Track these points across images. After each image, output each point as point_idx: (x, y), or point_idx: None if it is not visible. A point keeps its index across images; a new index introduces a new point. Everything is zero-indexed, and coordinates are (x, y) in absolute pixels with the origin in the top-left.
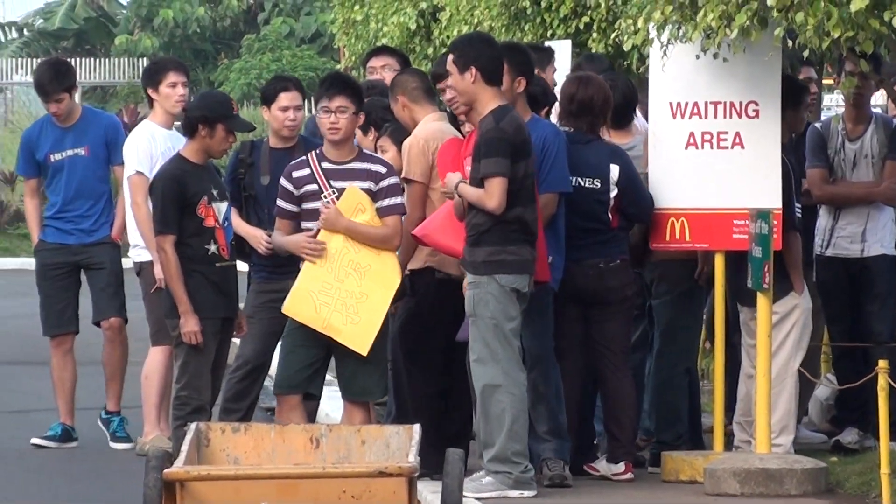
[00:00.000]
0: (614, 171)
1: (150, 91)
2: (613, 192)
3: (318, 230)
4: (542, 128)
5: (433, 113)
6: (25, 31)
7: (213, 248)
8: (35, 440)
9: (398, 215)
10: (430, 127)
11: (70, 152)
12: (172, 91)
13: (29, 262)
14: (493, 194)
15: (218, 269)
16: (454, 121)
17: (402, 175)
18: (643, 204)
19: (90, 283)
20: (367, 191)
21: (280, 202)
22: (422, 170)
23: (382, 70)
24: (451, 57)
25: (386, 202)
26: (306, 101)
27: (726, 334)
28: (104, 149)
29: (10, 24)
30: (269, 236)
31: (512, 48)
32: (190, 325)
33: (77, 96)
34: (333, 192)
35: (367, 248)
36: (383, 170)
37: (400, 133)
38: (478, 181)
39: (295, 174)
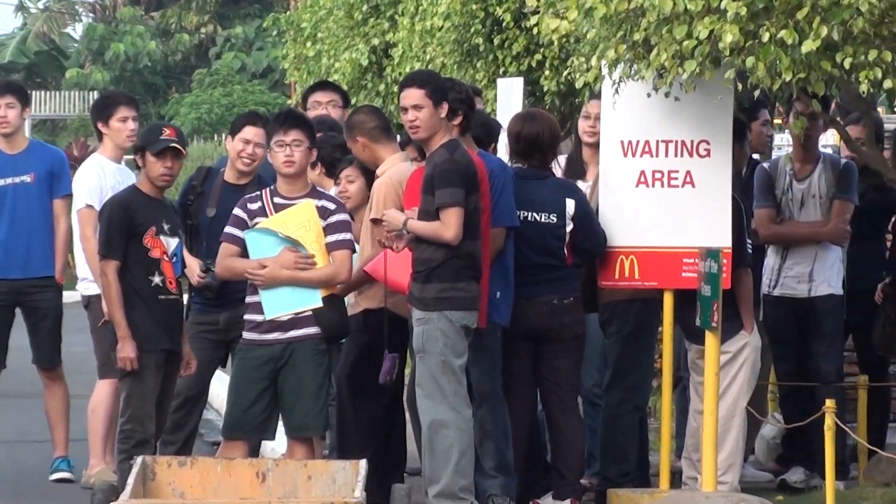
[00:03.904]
0: (570, 205)
1: (100, 125)
2: (569, 227)
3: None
4: (488, 161)
5: (397, 153)
6: None
7: (157, 279)
8: None
9: (347, 251)
10: (400, 168)
11: (16, 179)
12: (123, 126)
13: None
14: (450, 225)
15: (161, 302)
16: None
17: (372, 216)
18: (598, 239)
19: (31, 323)
20: None
21: (231, 229)
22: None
23: (328, 105)
24: (424, 90)
25: (335, 237)
26: None
27: (676, 371)
28: (49, 179)
29: None
30: (204, 269)
31: (466, 89)
32: (126, 351)
33: (27, 129)
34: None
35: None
36: (332, 206)
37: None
38: (432, 213)
39: (249, 206)
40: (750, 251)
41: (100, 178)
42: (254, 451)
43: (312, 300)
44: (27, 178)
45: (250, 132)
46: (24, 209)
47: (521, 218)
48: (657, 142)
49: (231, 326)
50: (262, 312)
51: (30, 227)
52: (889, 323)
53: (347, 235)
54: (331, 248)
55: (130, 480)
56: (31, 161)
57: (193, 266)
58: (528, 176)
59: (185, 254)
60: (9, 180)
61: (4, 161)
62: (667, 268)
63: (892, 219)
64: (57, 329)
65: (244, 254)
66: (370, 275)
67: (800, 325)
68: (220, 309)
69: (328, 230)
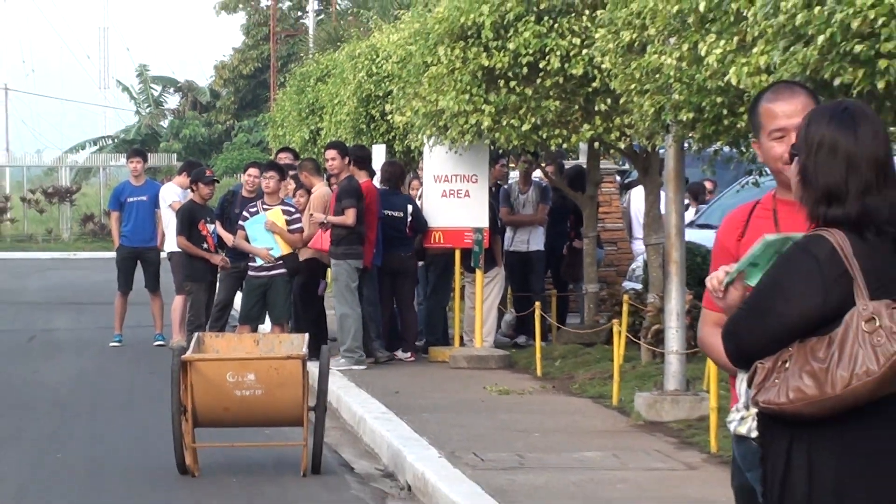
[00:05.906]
0: (410, 208)
1: (192, 182)
2: (409, 219)
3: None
4: (375, 186)
5: (322, 182)
6: (114, 140)
7: (205, 245)
8: (114, 343)
9: (300, 233)
10: (324, 190)
11: (139, 198)
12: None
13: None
14: (349, 217)
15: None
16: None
17: (310, 211)
18: (423, 224)
19: (144, 268)
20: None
21: (241, 223)
22: (321, 212)
23: (285, 159)
24: (336, 150)
25: (294, 226)
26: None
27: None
28: (155, 199)
29: (107, 137)
30: (234, 238)
31: (359, 149)
32: (217, 260)
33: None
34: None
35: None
36: (292, 210)
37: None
38: (340, 212)
39: (250, 209)
40: (500, 227)
41: (175, 191)
42: (255, 331)
43: (276, 251)
44: (144, 198)
45: (252, 171)
46: (141, 215)
47: (386, 214)
48: (452, 175)
49: (246, 268)
50: (255, 261)
51: (144, 222)
52: (566, 265)
53: (300, 226)
54: (292, 231)
55: (191, 345)
56: (147, 190)
57: (229, 237)
58: (389, 193)
59: (223, 231)
60: (135, 198)
61: (133, 189)
62: (457, 237)
63: (570, 214)
64: (157, 271)
65: (247, 237)
66: (312, 245)
67: (522, 265)
68: (241, 260)
69: (291, 223)
